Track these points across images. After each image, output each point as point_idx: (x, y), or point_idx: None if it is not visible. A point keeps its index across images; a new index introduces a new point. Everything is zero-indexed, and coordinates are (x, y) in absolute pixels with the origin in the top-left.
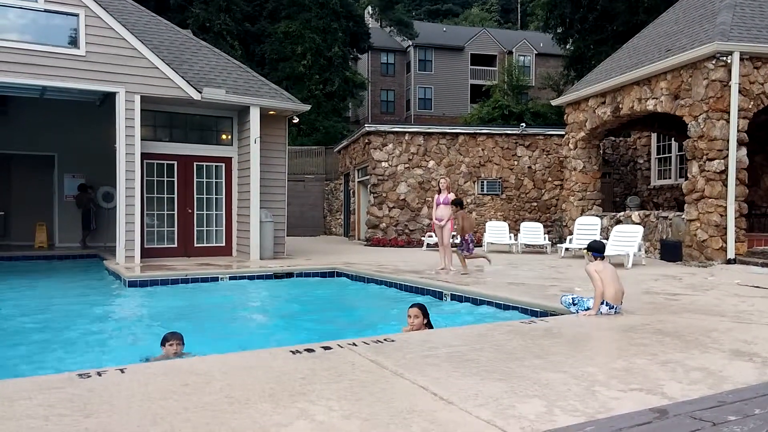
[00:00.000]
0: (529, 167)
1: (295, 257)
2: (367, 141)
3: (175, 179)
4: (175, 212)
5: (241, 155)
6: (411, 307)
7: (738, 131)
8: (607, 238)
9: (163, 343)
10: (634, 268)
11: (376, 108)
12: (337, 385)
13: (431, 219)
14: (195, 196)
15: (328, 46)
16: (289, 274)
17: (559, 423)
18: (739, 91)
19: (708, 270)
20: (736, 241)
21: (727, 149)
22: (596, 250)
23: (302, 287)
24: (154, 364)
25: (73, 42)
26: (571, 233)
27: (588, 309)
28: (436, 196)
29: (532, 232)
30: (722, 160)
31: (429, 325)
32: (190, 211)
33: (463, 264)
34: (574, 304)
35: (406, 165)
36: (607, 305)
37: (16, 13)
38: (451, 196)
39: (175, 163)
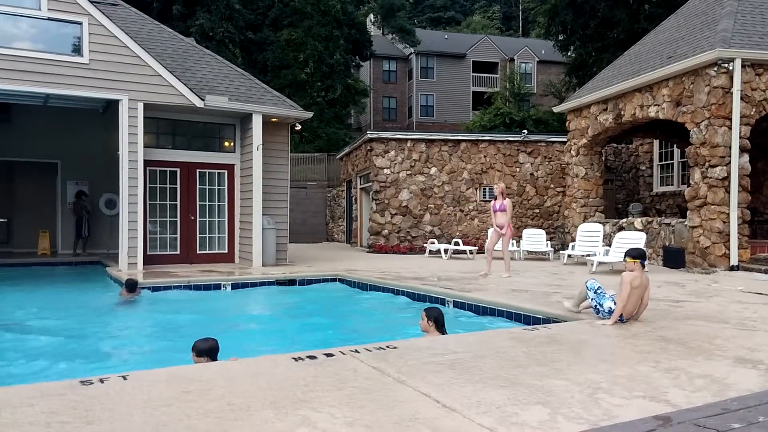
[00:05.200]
0: (531, 174)
1: (298, 264)
2: (369, 148)
3: (178, 186)
4: (178, 219)
5: (243, 162)
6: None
7: (740, 138)
8: (609, 245)
9: (200, 354)
10: None
11: (378, 115)
12: (339, 392)
13: (433, 226)
14: (198, 202)
15: (330, 54)
16: (292, 281)
17: (562, 430)
18: (741, 98)
19: (711, 277)
20: (739, 248)
21: (730, 156)
22: (636, 256)
23: (304, 294)
24: (156, 371)
25: (77, 50)
26: (573, 240)
27: (605, 307)
28: (492, 202)
29: (535, 238)
30: (724, 167)
31: (441, 331)
32: (192, 217)
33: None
34: (596, 293)
35: (408, 172)
36: (620, 318)
37: (19, 21)
38: (507, 202)
39: (178, 170)
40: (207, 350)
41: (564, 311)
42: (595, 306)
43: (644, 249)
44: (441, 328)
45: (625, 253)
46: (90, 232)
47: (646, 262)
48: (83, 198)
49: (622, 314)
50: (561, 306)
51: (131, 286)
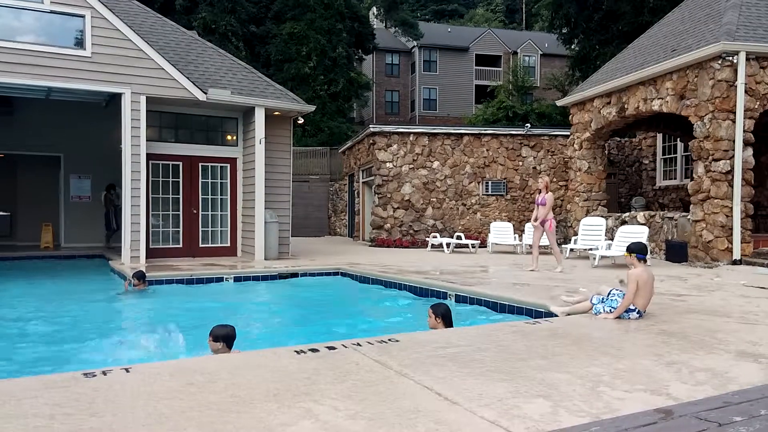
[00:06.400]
0: (534, 168)
1: (300, 258)
2: (371, 141)
3: (181, 180)
4: (181, 213)
5: (246, 156)
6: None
7: (744, 131)
8: (612, 239)
9: (217, 339)
10: None
11: (381, 109)
12: (341, 385)
13: (435, 219)
14: (200, 196)
15: (332, 47)
16: (294, 275)
17: (564, 423)
18: (745, 91)
19: (713, 271)
20: (741, 242)
21: (733, 150)
22: (640, 251)
23: (307, 287)
24: (158, 364)
25: (79, 43)
26: (576, 234)
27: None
28: (537, 196)
29: None
30: (728, 161)
31: (448, 326)
32: (195, 211)
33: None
34: (603, 302)
35: (411, 165)
36: (637, 313)
37: (21, 14)
38: (548, 196)
39: (181, 163)
40: (224, 336)
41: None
42: (610, 310)
43: (645, 243)
44: (449, 324)
45: (628, 247)
46: (118, 225)
47: (648, 256)
48: (112, 192)
49: (638, 309)
50: (562, 301)
51: (141, 276)
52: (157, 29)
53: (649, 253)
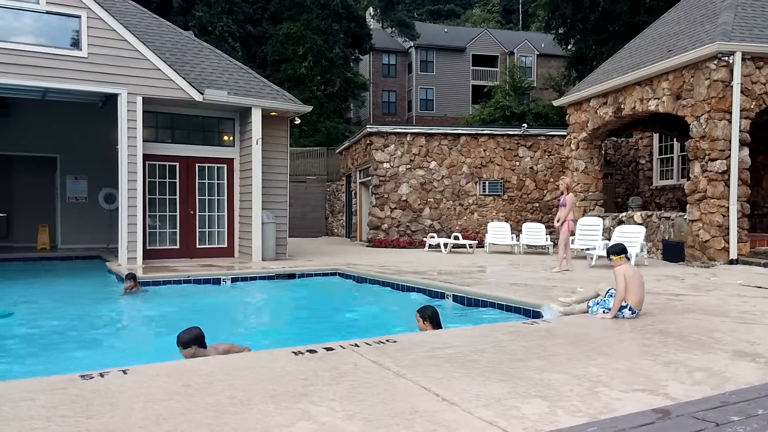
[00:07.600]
0: (531, 168)
1: (297, 258)
2: (368, 142)
3: (177, 180)
4: (177, 213)
5: (242, 156)
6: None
7: (740, 131)
8: (609, 239)
9: (187, 345)
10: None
11: (378, 109)
12: (339, 385)
13: (433, 220)
14: (197, 197)
15: (329, 48)
16: (291, 275)
17: (562, 423)
18: (741, 92)
19: (710, 270)
20: (738, 242)
21: (729, 149)
22: (620, 252)
23: (304, 288)
24: (156, 365)
25: (75, 43)
26: (573, 234)
27: (608, 310)
28: (560, 197)
29: (534, 232)
30: (724, 161)
31: (438, 329)
32: (192, 212)
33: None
34: (598, 304)
35: (408, 166)
36: (630, 310)
37: (17, 15)
38: (569, 197)
39: (177, 164)
40: (193, 339)
41: (562, 306)
42: (604, 311)
43: (623, 244)
44: (438, 325)
45: (608, 252)
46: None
47: (645, 255)
48: None
49: (632, 307)
50: (560, 301)
51: (132, 277)
52: (153, 30)
53: (646, 252)
